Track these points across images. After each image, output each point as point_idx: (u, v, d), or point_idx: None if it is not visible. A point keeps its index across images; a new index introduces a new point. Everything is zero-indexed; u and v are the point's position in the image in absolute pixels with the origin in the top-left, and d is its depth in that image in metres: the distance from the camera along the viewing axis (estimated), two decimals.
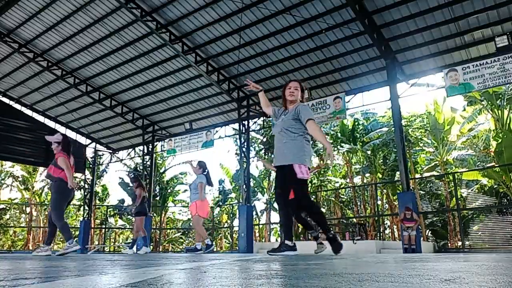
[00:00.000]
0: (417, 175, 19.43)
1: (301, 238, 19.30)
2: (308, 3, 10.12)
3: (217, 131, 15.47)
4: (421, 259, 2.63)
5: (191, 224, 27.22)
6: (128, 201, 26.67)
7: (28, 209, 28.25)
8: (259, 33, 11.47)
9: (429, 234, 18.87)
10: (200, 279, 1.37)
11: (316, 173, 22.38)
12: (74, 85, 15.34)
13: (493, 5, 9.20)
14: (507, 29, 9.64)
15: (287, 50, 11.82)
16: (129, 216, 26.67)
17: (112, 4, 11.53)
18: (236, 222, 22.19)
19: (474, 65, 9.81)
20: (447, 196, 17.52)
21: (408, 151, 16.46)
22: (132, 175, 8.65)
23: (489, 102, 14.88)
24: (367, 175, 21.31)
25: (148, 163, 17.31)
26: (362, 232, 13.16)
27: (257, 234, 25.37)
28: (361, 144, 19.74)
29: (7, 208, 28.80)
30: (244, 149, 14.20)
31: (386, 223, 23.41)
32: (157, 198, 25.96)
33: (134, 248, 8.46)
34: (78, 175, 20.22)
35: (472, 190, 17.02)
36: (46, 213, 27.01)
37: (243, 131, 14.24)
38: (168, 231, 28.90)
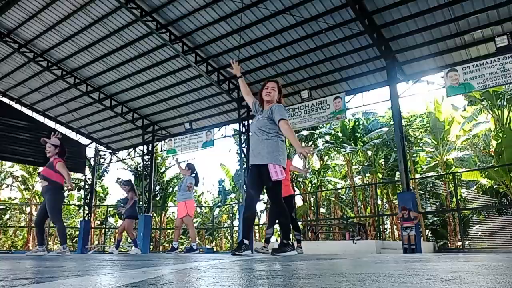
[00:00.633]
0: (417, 175, 19.43)
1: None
2: (308, 3, 10.11)
3: (218, 130, 15.48)
4: (421, 259, 2.63)
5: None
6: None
7: (28, 209, 28.24)
8: (259, 33, 11.47)
9: (429, 234, 18.88)
10: (200, 279, 1.37)
11: (316, 173, 22.40)
12: (74, 85, 15.34)
13: (493, 5, 9.20)
14: (507, 29, 9.64)
15: (287, 50, 11.81)
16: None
17: (112, 4, 11.53)
18: (236, 222, 22.21)
19: (474, 65, 9.81)
20: (447, 196, 17.52)
21: (408, 151, 16.46)
22: (123, 180, 8.67)
23: (489, 102, 14.88)
24: (367, 175, 21.31)
25: (148, 163, 17.31)
26: (362, 232, 13.15)
27: (257, 234, 25.36)
28: (361, 144, 19.74)
29: (7, 208, 28.81)
30: (244, 149, 14.20)
31: (386, 223, 23.42)
32: (157, 198, 25.96)
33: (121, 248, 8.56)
34: (79, 175, 20.23)
35: (472, 190, 17.01)
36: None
37: (243, 131, 14.25)
38: (168, 231, 28.88)
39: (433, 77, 11.39)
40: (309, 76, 12.58)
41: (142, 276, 1.47)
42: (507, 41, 9.15)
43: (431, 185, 19.49)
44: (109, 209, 26.14)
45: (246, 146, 14.34)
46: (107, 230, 27.29)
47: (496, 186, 15.46)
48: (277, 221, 4.25)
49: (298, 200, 23.23)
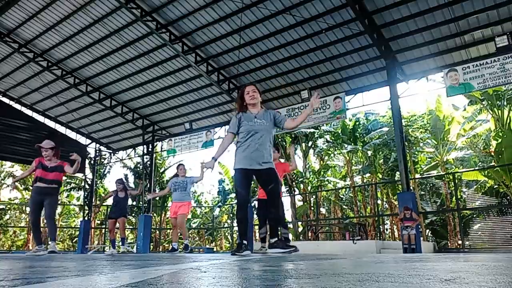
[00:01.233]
0: (417, 175, 19.42)
1: (300, 238, 19.31)
2: (308, 3, 10.11)
3: (220, 129, 15.48)
4: (421, 259, 2.63)
5: (194, 224, 27.21)
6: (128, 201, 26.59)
7: (28, 209, 28.21)
8: (259, 33, 11.47)
9: (429, 234, 18.87)
10: (200, 279, 1.37)
11: (316, 173, 22.41)
12: (74, 85, 15.34)
13: (493, 5, 9.20)
14: (507, 29, 9.64)
15: (287, 50, 11.81)
16: (129, 217, 26.63)
17: (112, 4, 11.53)
18: (236, 222, 22.17)
19: (474, 65, 9.80)
20: (447, 196, 17.51)
21: (408, 151, 16.46)
22: (117, 179, 8.72)
23: (489, 102, 14.87)
24: (367, 175, 21.30)
25: (148, 163, 17.31)
26: (362, 232, 13.15)
27: (257, 234, 25.34)
28: (361, 144, 19.74)
29: (7, 208, 28.81)
30: None
31: (386, 223, 23.41)
32: (157, 198, 25.94)
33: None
34: (79, 175, 20.23)
35: (472, 190, 17.01)
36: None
37: None
38: (168, 231, 28.87)
39: (433, 76, 11.41)
40: (309, 76, 12.58)
41: (142, 276, 1.47)
42: (507, 41, 9.15)
43: (431, 185, 19.48)
44: (109, 209, 26.12)
45: None
46: (107, 230, 27.27)
47: (496, 186, 15.46)
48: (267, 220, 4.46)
49: (299, 200, 23.24)
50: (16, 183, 6.32)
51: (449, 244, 16.88)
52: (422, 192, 19.34)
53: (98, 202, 22.39)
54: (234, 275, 1.51)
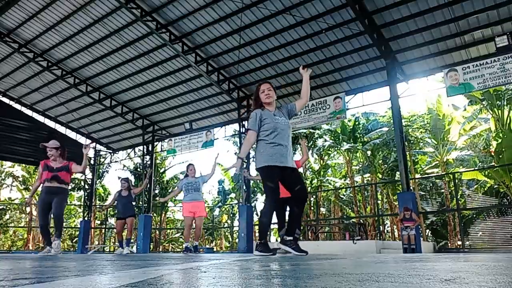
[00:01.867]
0: (417, 175, 19.43)
1: (300, 238, 19.31)
2: (308, 3, 10.12)
3: (219, 129, 15.48)
4: (421, 259, 2.63)
5: (188, 223, 27.16)
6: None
7: (28, 209, 28.24)
8: (259, 33, 11.47)
9: (429, 234, 18.87)
10: (200, 279, 1.37)
11: (316, 173, 22.41)
12: (74, 85, 15.35)
13: (493, 5, 9.20)
14: (507, 29, 9.64)
15: (287, 50, 11.82)
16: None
17: (112, 4, 11.53)
18: (236, 222, 22.21)
19: (474, 65, 9.81)
20: (447, 196, 17.51)
21: (408, 151, 16.46)
22: (123, 178, 8.69)
23: (489, 102, 14.88)
24: (367, 175, 21.31)
25: (148, 163, 17.31)
26: (362, 232, 13.15)
27: (257, 234, 25.35)
28: (361, 144, 19.75)
29: (7, 208, 28.81)
30: None
31: (386, 223, 23.41)
32: (157, 198, 25.94)
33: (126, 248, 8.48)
34: (78, 175, 20.23)
35: (472, 190, 17.01)
36: None
37: (243, 131, 14.25)
38: (168, 231, 28.89)
39: (433, 76, 11.41)
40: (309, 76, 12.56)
41: (142, 276, 1.47)
42: (507, 41, 9.15)
43: (431, 185, 19.48)
44: (109, 209, 26.13)
45: None
46: (107, 230, 27.29)
47: (496, 186, 15.46)
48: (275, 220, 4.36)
49: None
50: (31, 200, 6.34)
51: (449, 244, 16.89)
52: (422, 192, 19.33)
53: (98, 203, 22.40)
54: (234, 275, 1.51)
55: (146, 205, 16.52)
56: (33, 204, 27.71)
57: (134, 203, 8.56)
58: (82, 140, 19.10)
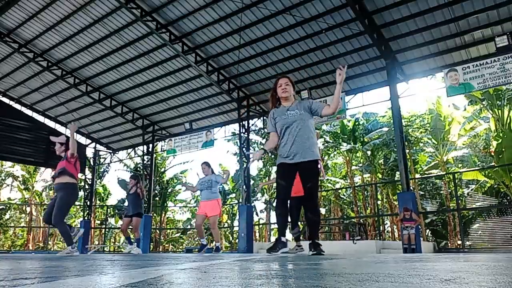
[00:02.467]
0: (417, 175, 19.42)
1: (301, 238, 19.29)
2: (308, 3, 10.12)
3: (220, 129, 15.48)
4: (421, 259, 2.63)
5: (194, 224, 27.19)
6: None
7: (28, 209, 28.24)
8: (259, 33, 11.47)
9: (429, 234, 18.87)
10: (200, 279, 1.37)
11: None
12: (74, 85, 15.34)
13: (493, 5, 9.20)
14: (507, 29, 9.64)
15: (287, 50, 11.81)
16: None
17: (112, 4, 11.53)
18: (236, 222, 22.21)
19: (474, 65, 9.81)
20: (447, 196, 17.51)
21: (408, 151, 16.46)
22: (132, 174, 8.61)
23: (489, 102, 14.88)
24: (367, 175, 21.31)
25: (148, 163, 17.31)
26: (362, 232, 13.16)
27: (257, 234, 25.38)
28: (361, 144, 19.74)
29: (7, 208, 28.81)
30: (244, 149, 14.20)
31: (386, 223, 23.40)
32: (157, 198, 25.96)
33: (129, 247, 8.45)
34: (79, 175, 20.22)
35: (472, 190, 17.00)
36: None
37: (243, 131, 14.25)
38: (168, 231, 28.89)
39: (433, 76, 11.41)
40: (309, 76, 12.58)
41: (142, 276, 1.47)
42: (507, 41, 9.15)
43: (431, 185, 19.48)
44: (109, 209, 26.15)
45: (245, 147, 14.34)
46: (107, 230, 27.28)
47: (496, 186, 15.46)
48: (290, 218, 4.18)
49: None
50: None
51: (449, 244, 16.88)
52: (422, 192, 19.33)
53: (98, 203, 22.38)
54: (234, 275, 1.51)
55: (146, 205, 16.51)
56: (33, 204, 27.77)
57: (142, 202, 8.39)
58: (82, 140, 19.11)
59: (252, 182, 20.20)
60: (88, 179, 19.83)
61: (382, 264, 2.02)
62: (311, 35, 11.07)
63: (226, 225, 27.85)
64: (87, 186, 19.83)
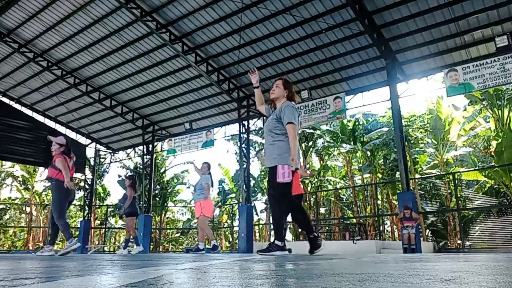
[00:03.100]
0: (417, 175, 19.42)
1: (301, 238, 19.30)
2: (308, 3, 10.11)
3: (219, 129, 15.47)
4: (421, 259, 2.63)
5: (195, 224, 27.20)
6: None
7: (28, 209, 28.24)
8: (259, 33, 11.46)
9: (429, 234, 18.87)
10: (200, 279, 1.37)
11: (316, 173, 22.40)
12: (74, 85, 15.34)
13: (493, 5, 9.20)
14: (507, 29, 9.64)
15: (287, 50, 11.81)
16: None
17: (112, 4, 11.53)
18: (236, 222, 22.21)
19: (474, 65, 9.80)
20: (447, 196, 17.51)
21: (408, 151, 16.45)
22: (128, 175, 8.65)
23: (489, 102, 14.88)
24: (367, 175, 21.31)
25: (148, 163, 17.31)
26: (362, 232, 13.16)
27: (257, 234, 25.38)
28: (361, 144, 19.75)
29: (7, 208, 28.81)
30: (244, 149, 14.20)
31: (386, 223, 23.41)
32: (157, 198, 25.97)
33: (128, 248, 8.51)
34: (78, 175, 20.24)
35: (472, 190, 17.00)
36: (47, 212, 27.03)
37: (243, 131, 14.24)
38: (168, 231, 28.90)
39: (433, 76, 11.41)
40: (309, 76, 12.58)
41: (142, 276, 1.47)
42: (507, 41, 9.15)
43: (431, 185, 19.48)
44: (109, 209, 26.16)
45: (245, 147, 14.34)
46: (107, 230, 27.29)
47: (496, 186, 15.46)
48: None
49: None
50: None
51: (449, 244, 16.89)
52: (422, 192, 19.34)
53: (98, 203, 22.40)
54: (234, 275, 1.51)
55: (146, 205, 16.51)
56: (33, 204, 27.77)
57: (136, 202, 8.46)
58: (82, 140, 19.12)
59: (252, 182, 20.21)
60: (88, 179, 19.83)
61: (382, 264, 2.02)
62: (311, 35, 11.07)
63: (226, 225, 27.85)
64: (87, 186, 19.83)
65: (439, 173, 17.70)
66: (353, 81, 12.33)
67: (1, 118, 16.04)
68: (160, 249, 24.72)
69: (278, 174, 3.58)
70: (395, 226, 21.33)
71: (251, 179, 15.81)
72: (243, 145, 14.25)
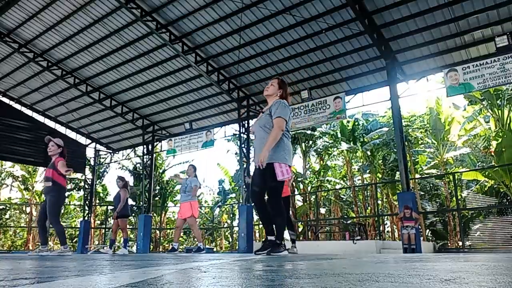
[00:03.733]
0: (417, 175, 19.43)
1: (301, 238, 19.30)
2: (308, 3, 10.11)
3: (219, 129, 15.47)
4: (421, 259, 2.63)
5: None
6: (129, 201, 26.60)
7: (28, 209, 28.24)
8: (259, 33, 11.47)
9: (429, 234, 18.87)
10: (200, 279, 1.37)
11: (316, 173, 22.41)
12: (74, 85, 15.34)
13: (493, 5, 9.20)
14: (507, 29, 9.64)
15: (287, 50, 11.81)
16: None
17: (112, 4, 11.53)
18: (236, 222, 22.21)
19: (474, 65, 9.80)
20: (447, 196, 17.51)
21: (408, 151, 16.45)
22: (118, 175, 8.70)
23: (489, 102, 14.88)
24: (367, 175, 21.30)
25: (148, 163, 17.32)
26: (362, 232, 13.16)
27: (257, 234, 25.36)
28: (360, 144, 19.74)
29: (7, 208, 28.81)
30: (244, 149, 14.20)
31: (386, 223, 23.41)
32: (157, 198, 25.97)
33: (124, 249, 8.56)
34: (79, 175, 20.26)
35: (472, 190, 17.00)
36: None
37: (243, 131, 14.24)
38: (168, 231, 28.89)
39: (433, 76, 11.42)
40: (309, 76, 12.58)
41: (142, 276, 1.47)
42: (507, 41, 9.14)
43: (431, 185, 19.49)
44: (109, 207, 26.14)
45: (245, 146, 14.34)
46: (107, 230, 27.28)
47: (496, 186, 15.46)
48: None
49: (298, 200, 23.24)
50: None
51: (449, 244, 16.89)
52: (422, 192, 19.33)
53: (98, 203, 22.41)
54: (234, 275, 1.51)
55: (146, 205, 16.51)
56: (33, 204, 27.76)
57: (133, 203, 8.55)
58: (82, 140, 19.12)
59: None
60: (88, 179, 19.83)
61: (382, 264, 2.02)
62: (311, 35, 11.07)
63: (226, 225, 27.85)
64: (87, 186, 19.83)
65: (439, 173, 17.69)
66: (353, 81, 12.33)
67: (1, 118, 16.04)
68: (160, 249, 24.71)
69: (277, 172, 3.53)
70: (395, 226, 21.33)
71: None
72: (243, 145, 14.25)
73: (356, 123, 20.58)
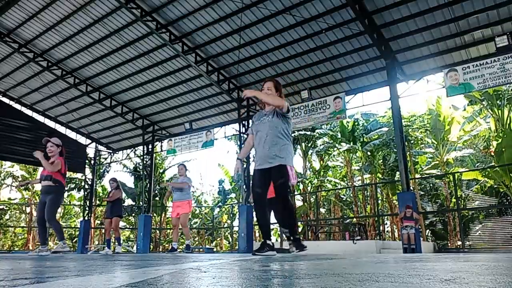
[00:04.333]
0: (417, 175, 19.42)
1: (300, 238, 19.27)
2: (308, 3, 10.11)
3: (219, 129, 15.47)
4: (421, 259, 2.63)
5: (195, 224, 27.21)
6: (128, 201, 26.64)
7: (28, 209, 28.24)
8: (259, 33, 11.47)
9: (429, 234, 18.87)
10: (200, 279, 1.37)
11: (316, 173, 22.40)
12: (74, 85, 15.34)
13: (493, 5, 9.20)
14: (507, 29, 9.64)
15: (287, 50, 11.81)
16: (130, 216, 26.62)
17: (112, 4, 11.53)
18: (236, 222, 22.21)
19: (474, 65, 9.80)
20: (447, 196, 17.51)
21: (408, 151, 16.44)
22: (112, 177, 8.80)
23: (489, 102, 14.88)
24: (367, 175, 21.29)
25: (148, 163, 17.32)
26: (362, 232, 13.16)
27: (257, 234, 25.35)
28: (360, 144, 19.73)
29: (7, 208, 28.80)
30: None
31: (386, 223, 23.40)
32: (157, 198, 25.96)
33: (119, 247, 8.72)
34: (79, 175, 20.26)
35: (472, 190, 17.00)
36: None
37: (243, 131, 14.24)
38: (168, 231, 28.88)
39: (433, 76, 11.42)
40: (309, 76, 12.58)
41: (142, 276, 1.47)
42: (507, 41, 9.15)
43: (431, 185, 19.48)
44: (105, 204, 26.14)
45: None
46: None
47: (496, 186, 15.46)
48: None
49: (298, 200, 23.23)
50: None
51: (449, 244, 16.88)
52: (422, 192, 19.33)
53: (98, 203, 22.41)
54: (234, 275, 1.51)
55: (146, 205, 16.51)
56: (32, 204, 27.74)
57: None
58: (82, 140, 19.13)
59: (252, 182, 20.13)
60: (88, 179, 19.83)
61: (382, 264, 2.02)
62: (311, 35, 11.07)
63: (226, 225, 27.85)
64: (87, 186, 19.83)
65: (439, 173, 17.69)
66: (353, 81, 12.33)
67: (1, 118, 16.04)
68: (160, 249, 24.71)
69: (290, 175, 3.66)
70: (395, 226, 21.33)
71: (251, 179, 15.78)
72: (243, 145, 14.23)
73: (356, 123, 20.57)
